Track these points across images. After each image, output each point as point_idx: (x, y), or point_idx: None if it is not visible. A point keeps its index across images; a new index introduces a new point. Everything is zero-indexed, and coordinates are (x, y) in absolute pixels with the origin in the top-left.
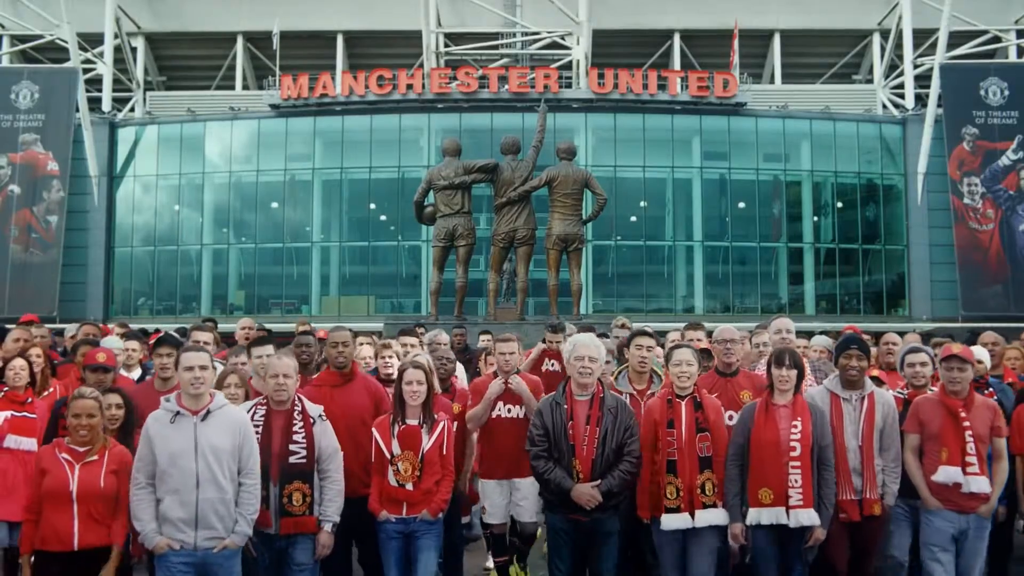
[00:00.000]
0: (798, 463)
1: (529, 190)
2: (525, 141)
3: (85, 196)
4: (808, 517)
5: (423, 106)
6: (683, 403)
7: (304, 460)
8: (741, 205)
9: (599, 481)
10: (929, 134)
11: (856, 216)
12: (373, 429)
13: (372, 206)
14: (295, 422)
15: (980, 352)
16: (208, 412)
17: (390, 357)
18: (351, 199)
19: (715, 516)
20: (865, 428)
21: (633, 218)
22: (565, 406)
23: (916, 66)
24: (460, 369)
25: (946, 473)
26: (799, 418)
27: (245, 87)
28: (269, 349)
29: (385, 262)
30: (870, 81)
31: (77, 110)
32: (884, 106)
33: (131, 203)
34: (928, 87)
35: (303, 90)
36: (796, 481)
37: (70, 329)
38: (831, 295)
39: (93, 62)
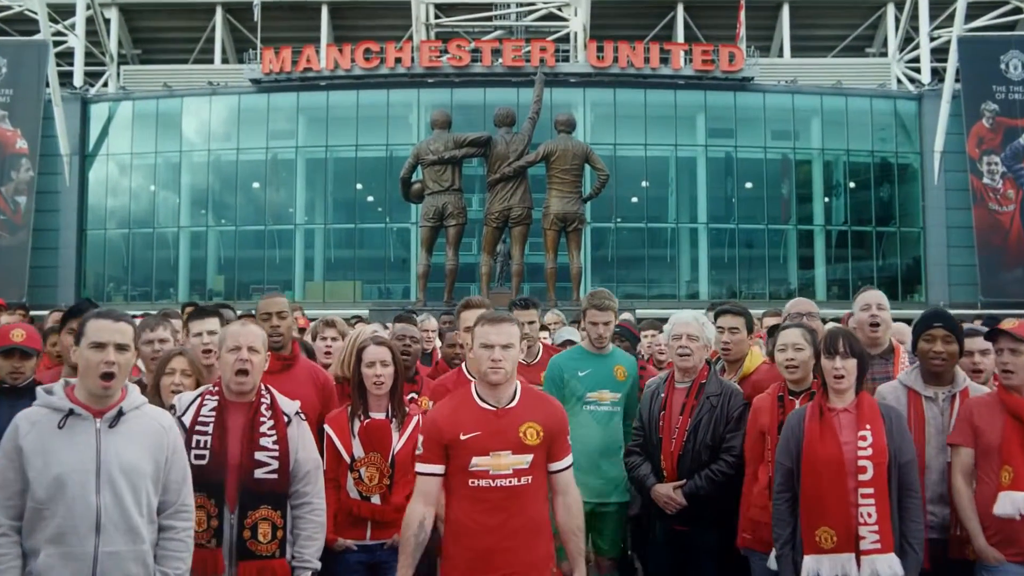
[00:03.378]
0: (870, 489)
1: (525, 165)
2: (521, 118)
3: (56, 176)
4: (888, 566)
5: (412, 81)
6: (797, 401)
7: (275, 475)
8: (748, 185)
9: (683, 481)
10: (946, 110)
11: (869, 197)
12: (326, 426)
13: (359, 186)
14: (262, 420)
15: (982, 344)
16: (120, 413)
17: (333, 340)
18: (336, 179)
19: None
20: None
21: (634, 199)
22: (663, 395)
23: (933, 38)
24: None
25: (1012, 502)
26: (867, 426)
27: (224, 61)
28: (212, 324)
29: (372, 245)
30: (884, 54)
31: (47, 85)
32: (899, 81)
33: (104, 183)
34: (945, 61)
35: (285, 64)
36: (869, 515)
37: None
38: (843, 280)
39: (64, 34)
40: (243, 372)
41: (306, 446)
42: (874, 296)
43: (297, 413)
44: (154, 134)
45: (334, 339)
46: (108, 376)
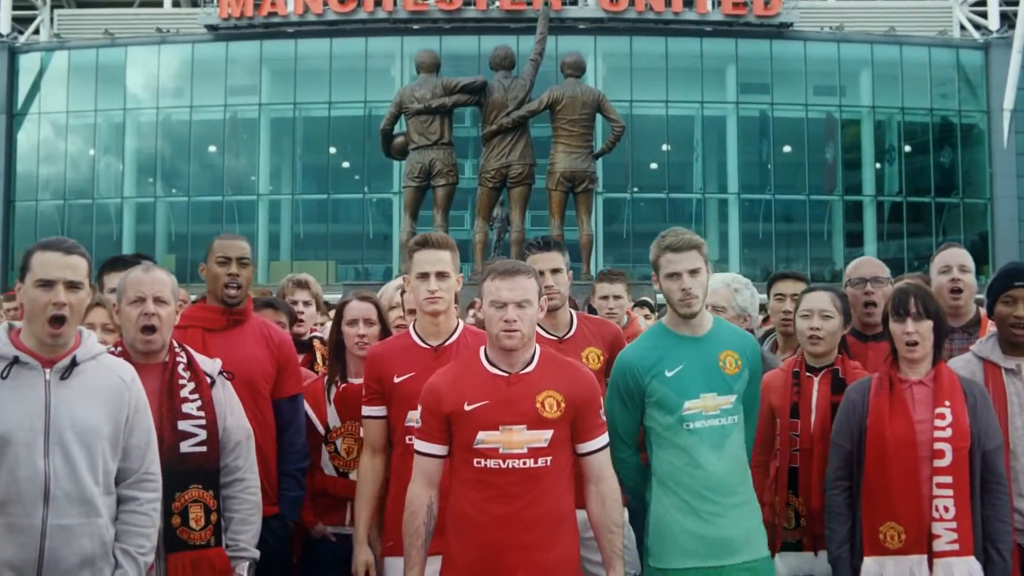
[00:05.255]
0: (948, 478)
1: (526, 115)
2: (522, 64)
3: None
4: (967, 571)
5: (394, 27)
6: (816, 379)
7: (204, 448)
8: (786, 149)
9: None
10: (1018, 62)
11: (928, 162)
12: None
13: (332, 150)
14: (181, 383)
15: None
16: (73, 363)
17: (305, 303)
18: (306, 142)
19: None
20: None
21: (653, 165)
22: None
23: None
24: None
25: None
26: (946, 402)
27: (176, 4)
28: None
29: (348, 219)
30: None
31: None
32: (962, 27)
33: (36, 147)
34: (1016, 3)
35: (247, 8)
36: (945, 509)
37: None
38: (897, 259)
39: None
40: (149, 329)
41: (234, 411)
42: (956, 256)
43: (220, 373)
44: (94, 90)
45: (306, 303)
46: (58, 320)
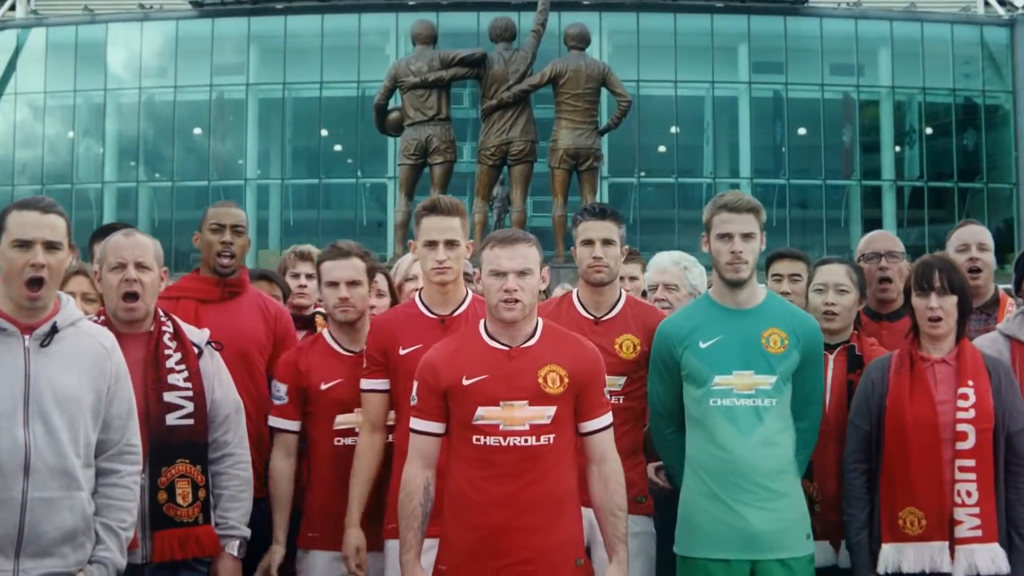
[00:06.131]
0: (971, 461)
1: (528, 89)
2: (523, 39)
3: None
4: (991, 559)
5: (389, 4)
6: (831, 357)
7: (191, 420)
8: (801, 131)
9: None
10: None
11: (950, 145)
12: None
13: (323, 133)
14: (167, 353)
15: None
16: (53, 329)
17: (308, 276)
18: (296, 124)
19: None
20: None
21: (662, 148)
22: None
23: None
24: None
25: None
26: (970, 381)
27: None
28: None
29: (340, 205)
30: None
31: None
32: (986, 3)
33: (12, 129)
34: None
35: None
36: (968, 494)
37: None
38: (918, 247)
39: None
40: (131, 295)
41: (223, 383)
42: (974, 233)
43: (208, 343)
44: (73, 69)
45: (309, 276)
46: (36, 282)
